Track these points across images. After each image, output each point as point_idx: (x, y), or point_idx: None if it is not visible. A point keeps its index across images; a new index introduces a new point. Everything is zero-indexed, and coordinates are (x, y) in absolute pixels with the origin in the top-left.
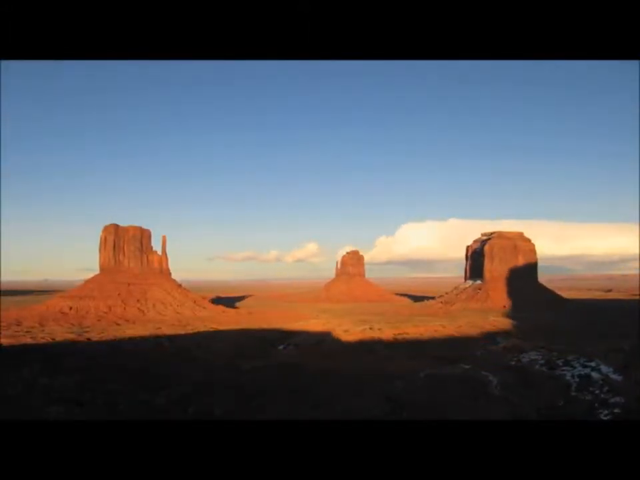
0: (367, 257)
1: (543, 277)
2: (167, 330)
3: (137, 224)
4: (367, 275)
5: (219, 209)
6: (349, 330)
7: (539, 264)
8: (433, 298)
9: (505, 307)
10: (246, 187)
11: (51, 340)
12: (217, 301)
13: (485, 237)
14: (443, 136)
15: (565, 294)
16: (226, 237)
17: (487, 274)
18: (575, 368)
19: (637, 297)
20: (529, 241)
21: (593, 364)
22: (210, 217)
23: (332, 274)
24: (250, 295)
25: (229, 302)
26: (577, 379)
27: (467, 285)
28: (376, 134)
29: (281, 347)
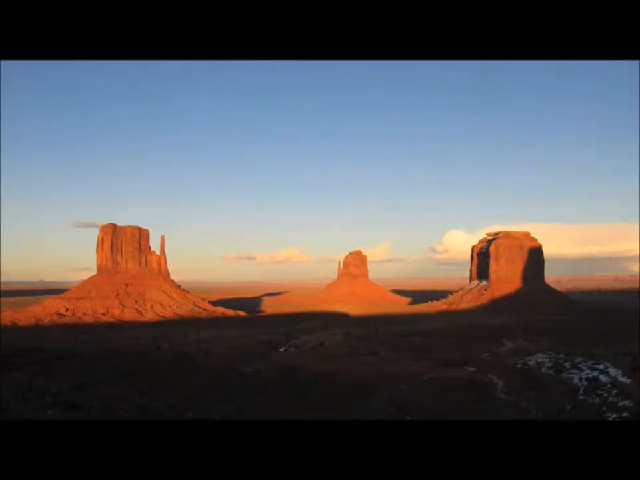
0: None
1: (549, 277)
2: (166, 331)
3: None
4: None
5: (264, 208)
6: (350, 332)
7: (546, 264)
8: (438, 298)
9: (510, 307)
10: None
11: (46, 342)
12: (224, 303)
13: (490, 237)
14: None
15: (572, 294)
16: (269, 235)
17: (492, 274)
18: (582, 371)
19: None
20: (535, 240)
21: (601, 366)
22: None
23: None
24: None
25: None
26: (585, 382)
27: (473, 286)
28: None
29: (281, 349)
